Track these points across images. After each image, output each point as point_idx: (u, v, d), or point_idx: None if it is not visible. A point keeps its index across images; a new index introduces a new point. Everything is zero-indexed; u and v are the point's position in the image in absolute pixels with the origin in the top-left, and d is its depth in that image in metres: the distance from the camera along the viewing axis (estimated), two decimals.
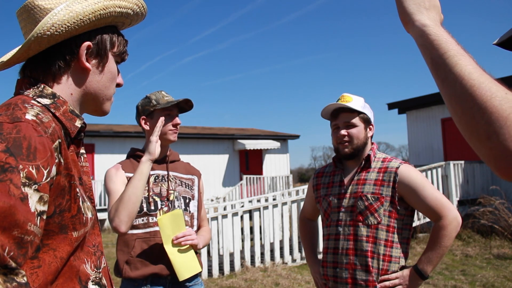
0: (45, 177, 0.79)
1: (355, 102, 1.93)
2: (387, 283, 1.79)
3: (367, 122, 1.94)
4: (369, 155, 1.92)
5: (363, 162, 1.92)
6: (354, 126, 1.91)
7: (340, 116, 1.93)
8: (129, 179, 1.93)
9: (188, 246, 1.88)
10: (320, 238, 5.63)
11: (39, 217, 0.76)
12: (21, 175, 0.73)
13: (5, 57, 0.98)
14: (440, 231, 1.79)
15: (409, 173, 1.83)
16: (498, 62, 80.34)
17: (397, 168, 1.85)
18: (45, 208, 0.79)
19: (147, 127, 1.99)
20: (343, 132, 1.91)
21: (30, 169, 0.75)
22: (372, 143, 1.99)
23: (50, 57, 0.95)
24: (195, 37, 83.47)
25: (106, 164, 14.59)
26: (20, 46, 0.91)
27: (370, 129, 1.96)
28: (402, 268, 1.84)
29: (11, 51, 0.99)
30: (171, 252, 1.84)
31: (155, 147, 1.85)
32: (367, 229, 1.82)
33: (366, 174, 1.90)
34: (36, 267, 0.81)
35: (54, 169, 0.82)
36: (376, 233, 1.81)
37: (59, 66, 0.95)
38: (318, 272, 2.01)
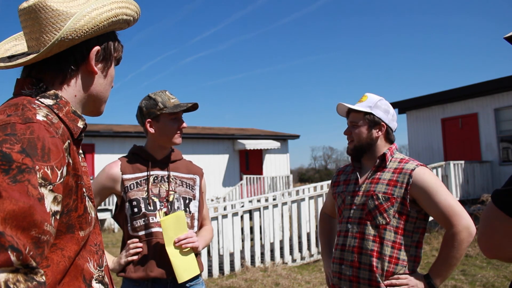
0: (58, 177, 0.80)
1: (367, 102, 1.95)
2: (393, 281, 1.75)
3: (373, 123, 1.92)
4: (384, 154, 1.91)
5: (378, 161, 1.92)
6: (357, 126, 1.94)
7: (349, 115, 2.00)
8: (124, 181, 1.93)
9: (189, 248, 1.88)
10: None
11: (53, 217, 0.78)
12: (38, 175, 0.75)
13: (7, 51, 0.99)
14: (450, 241, 1.73)
15: (424, 176, 1.79)
16: (498, 62, 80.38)
17: (413, 170, 1.82)
18: (58, 208, 0.80)
19: (152, 131, 1.97)
20: (346, 131, 1.98)
21: (46, 169, 0.77)
22: (392, 143, 1.98)
23: (63, 60, 0.96)
24: (196, 37, 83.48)
25: (106, 164, 14.57)
26: (45, 48, 0.91)
27: (380, 130, 1.93)
28: (412, 271, 1.80)
29: (7, 40, 1.00)
30: (172, 254, 1.84)
31: (118, 265, 1.89)
32: (375, 229, 1.80)
33: (381, 173, 1.89)
34: (45, 267, 0.82)
35: (65, 169, 0.84)
36: (384, 233, 1.78)
37: (72, 69, 0.97)
38: (330, 268, 2.00)
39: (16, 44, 1.07)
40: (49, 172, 0.77)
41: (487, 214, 0.94)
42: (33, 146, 0.76)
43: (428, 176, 1.80)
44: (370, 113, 1.92)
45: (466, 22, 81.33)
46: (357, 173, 1.97)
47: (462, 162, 9.90)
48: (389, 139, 1.97)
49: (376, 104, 1.94)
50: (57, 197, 0.79)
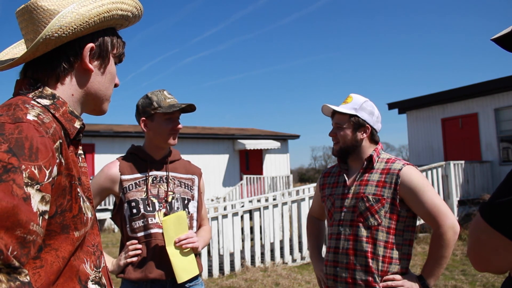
0: (47, 177, 0.79)
1: (352, 103, 1.95)
2: (389, 283, 1.78)
3: (358, 125, 1.93)
4: (371, 156, 1.92)
5: (366, 163, 1.93)
6: (342, 128, 1.95)
7: (334, 117, 2.00)
8: (123, 181, 1.92)
9: (189, 249, 1.87)
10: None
11: (41, 217, 0.77)
12: (24, 175, 0.74)
13: (2, 55, 0.98)
14: (437, 241, 1.78)
15: (411, 175, 1.82)
16: (498, 62, 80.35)
17: (400, 170, 1.84)
18: (47, 208, 0.79)
19: (147, 130, 1.97)
20: (331, 133, 2.00)
21: (33, 169, 0.76)
22: (377, 143, 1.98)
23: (55, 59, 0.95)
24: (197, 38, 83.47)
25: (106, 164, 14.59)
26: (30, 47, 0.91)
27: (364, 132, 1.94)
28: (404, 270, 1.83)
29: (5, 49, 0.99)
30: (173, 254, 1.83)
31: (118, 267, 1.89)
32: (367, 230, 1.82)
33: (369, 175, 1.90)
34: (38, 267, 0.82)
35: (55, 169, 0.83)
36: (376, 234, 1.81)
37: (64, 67, 0.96)
38: (322, 270, 2.02)
39: (25, 48, 1.07)
40: (36, 171, 0.76)
41: (475, 227, 0.92)
42: (21, 146, 0.76)
43: (415, 175, 1.83)
44: (355, 115, 1.93)
45: (466, 22, 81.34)
46: (345, 175, 1.97)
47: (462, 162, 9.89)
48: (374, 140, 1.98)
49: (361, 106, 1.95)
50: (45, 196, 0.78)
